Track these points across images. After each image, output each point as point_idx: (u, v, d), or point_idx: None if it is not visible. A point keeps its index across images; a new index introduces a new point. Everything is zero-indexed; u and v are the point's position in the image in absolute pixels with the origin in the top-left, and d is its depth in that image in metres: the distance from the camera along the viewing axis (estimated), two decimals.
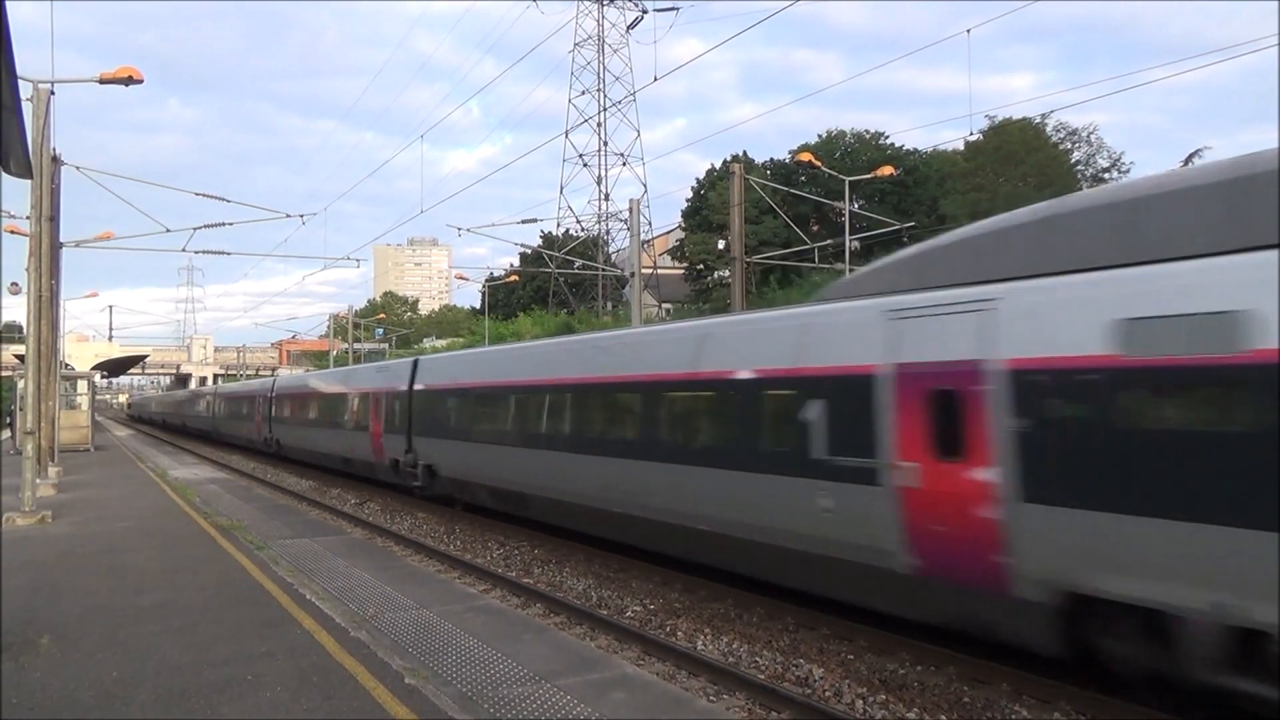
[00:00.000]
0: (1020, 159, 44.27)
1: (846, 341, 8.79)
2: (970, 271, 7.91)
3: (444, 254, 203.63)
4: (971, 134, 42.07)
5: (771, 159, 59.95)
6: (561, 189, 68.99)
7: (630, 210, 28.21)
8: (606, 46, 67.15)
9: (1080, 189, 45.83)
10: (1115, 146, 78.62)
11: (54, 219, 20.99)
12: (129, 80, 16.45)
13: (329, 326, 73.98)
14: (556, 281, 66.50)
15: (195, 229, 25.60)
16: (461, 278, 60.69)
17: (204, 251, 32.38)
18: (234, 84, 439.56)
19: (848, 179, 30.56)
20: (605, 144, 67.51)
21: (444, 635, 7.96)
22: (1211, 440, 6.08)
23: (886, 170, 33.17)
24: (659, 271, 64.59)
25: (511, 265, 71.27)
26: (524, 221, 38.39)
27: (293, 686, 6.23)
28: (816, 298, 10.74)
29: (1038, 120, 43.63)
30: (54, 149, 19.32)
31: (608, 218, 66.68)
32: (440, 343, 76.29)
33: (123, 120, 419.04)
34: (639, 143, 74.48)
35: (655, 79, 40.18)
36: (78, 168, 22.86)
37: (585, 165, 67.93)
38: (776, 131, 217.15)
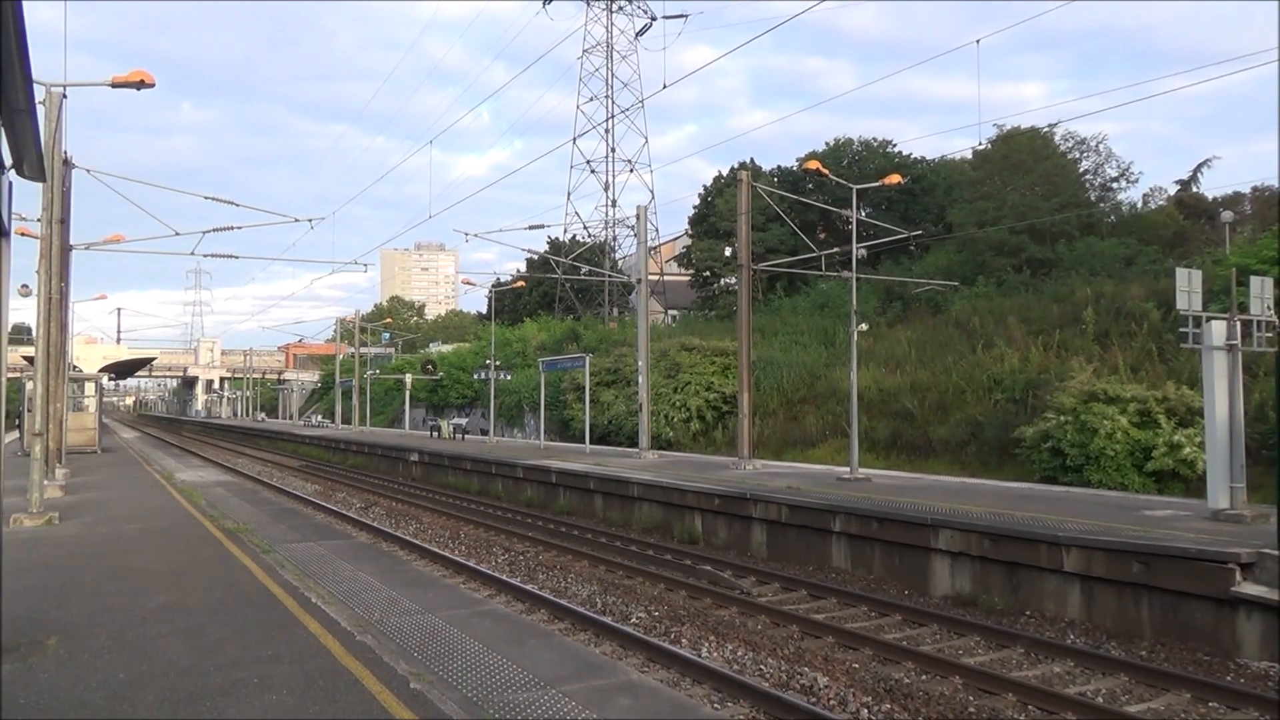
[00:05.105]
0: (1028, 168, 44.16)
1: None
2: None
3: (451, 259, 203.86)
4: (980, 143, 41.88)
5: (779, 166, 59.87)
6: (569, 195, 69.05)
7: (637, 217, 28.25)
8: (615, 53, 67.23)
9: (1087, 198, 45.72)
10: (1125, 156, 78.30)
11: (64, 221, 21.12)
12: (141, 84, 16.48)
13: (336, 330, 74.08)
14: (563, 287, 66.58)
15: (204, 232, 25.70)
16: (468, 283, 60.33)
17: (213, 255, 32.49)
18: (247, 87, 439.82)
19: (855, 187, 30.45)
20: (613, 150, 67.54)
21: (449, 640, 7.97)
22: None
23: (894, 178, 32.99)
24: (665, 278, 64.61)
25: (518, 271, 71.33)
26: (531, 227, 38.62)
27: (299, 690, 6.24)
28: None
29: (1045, 130, 43.52)
30: (65, 152, 19.44)
31: (615, 224, 66.76)
32: (446, 348, 76.36)
33: (135, 123, 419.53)
34: (647, 149, 74.65)
35: (665, 86, 40.19)
36: (89, 170, 23.03)
37: (593, 172, 67.92)
38: (786, 138, 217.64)
